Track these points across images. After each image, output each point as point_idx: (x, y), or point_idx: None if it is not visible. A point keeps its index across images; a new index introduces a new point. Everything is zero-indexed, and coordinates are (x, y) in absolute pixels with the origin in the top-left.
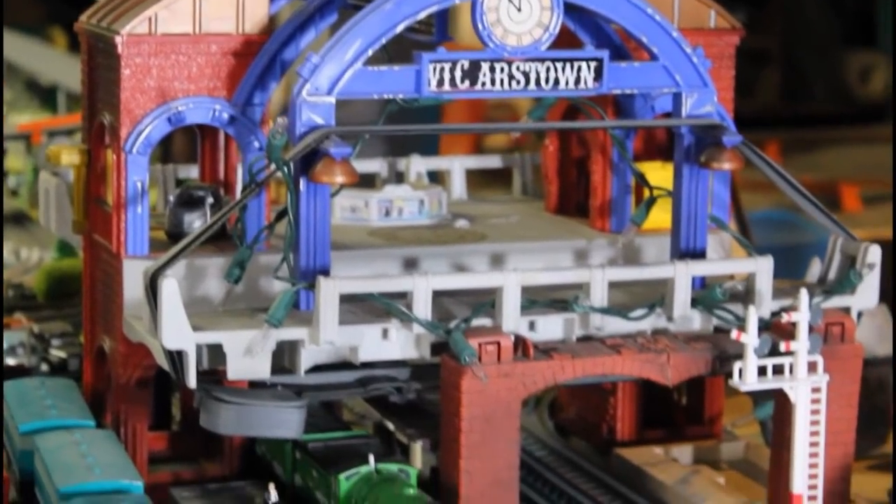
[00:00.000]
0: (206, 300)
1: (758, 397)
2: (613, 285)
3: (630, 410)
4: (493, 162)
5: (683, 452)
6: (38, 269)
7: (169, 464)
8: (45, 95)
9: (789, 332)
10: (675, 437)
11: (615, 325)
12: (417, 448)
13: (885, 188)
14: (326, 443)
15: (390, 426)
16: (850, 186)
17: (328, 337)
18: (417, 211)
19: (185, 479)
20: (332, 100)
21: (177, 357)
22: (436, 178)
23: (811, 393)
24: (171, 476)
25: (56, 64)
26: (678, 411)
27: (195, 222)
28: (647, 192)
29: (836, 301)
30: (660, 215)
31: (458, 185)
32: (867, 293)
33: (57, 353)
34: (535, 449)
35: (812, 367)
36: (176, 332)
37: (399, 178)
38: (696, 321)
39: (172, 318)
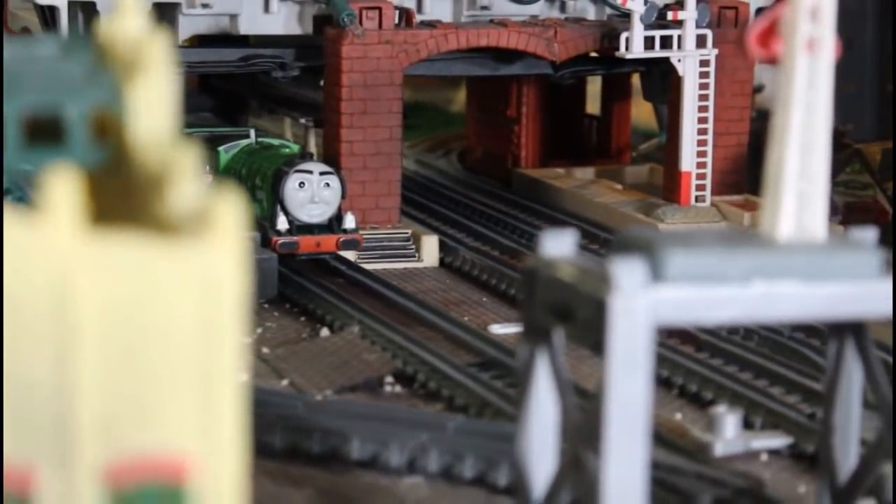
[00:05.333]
0: None
1: (661, 117)
2: None
3: (534, 139)
4: None
5: (586, 173)
6: None
7: None
8: None
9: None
10: (580, 164)
11: (505, 9)
12: (311, 134)
13: None
14: (213, 133)
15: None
16: None
17: None
18: None
19: None
20: None
21: (49, 15)
22: None
23: (699, 67)
24: None
25: None
26: (585, 148)
27: None
28: None
29: None
30: None
31: None
32: None
33: None
34: (443, 180)
35: (701, 41)
36: None
37: None
38: (591, 12)
39: None
